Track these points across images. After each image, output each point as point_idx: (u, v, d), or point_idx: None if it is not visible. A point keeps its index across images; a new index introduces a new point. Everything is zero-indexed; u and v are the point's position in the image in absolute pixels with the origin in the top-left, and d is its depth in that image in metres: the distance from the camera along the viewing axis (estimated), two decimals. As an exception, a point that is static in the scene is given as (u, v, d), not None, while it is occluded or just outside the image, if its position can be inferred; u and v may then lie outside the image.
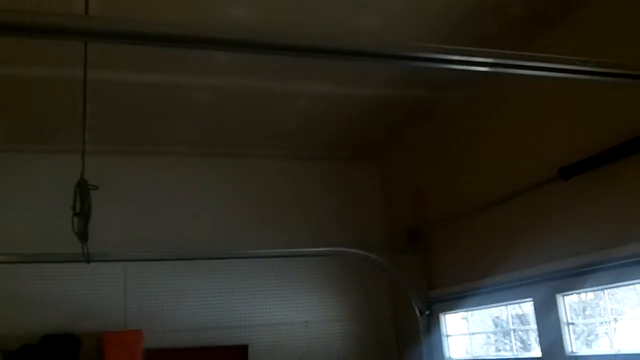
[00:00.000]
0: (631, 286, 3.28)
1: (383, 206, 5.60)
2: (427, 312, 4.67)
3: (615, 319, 3.42)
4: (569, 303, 3.52)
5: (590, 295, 3.70)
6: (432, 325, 4.69)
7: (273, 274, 5.08)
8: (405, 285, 4.71)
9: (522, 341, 4.50)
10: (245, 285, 5.00)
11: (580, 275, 3.31)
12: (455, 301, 4.40)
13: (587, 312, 4.06)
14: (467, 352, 4.52)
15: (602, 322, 3.67)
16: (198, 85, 4.02)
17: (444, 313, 4.65)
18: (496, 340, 4.79)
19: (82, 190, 2.91)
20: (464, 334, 4.59)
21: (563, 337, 3.46)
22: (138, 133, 4.66)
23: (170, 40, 2.00)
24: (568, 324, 3.48)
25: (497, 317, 4.75)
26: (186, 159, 5.09)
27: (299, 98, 4.33)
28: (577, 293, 3.53)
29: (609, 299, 3.40)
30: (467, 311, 4.50)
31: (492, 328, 4.87)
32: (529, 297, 3.74)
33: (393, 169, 5.52)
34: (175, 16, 3.12)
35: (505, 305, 4.12)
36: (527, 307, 4.00)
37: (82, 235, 2.97)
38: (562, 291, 3.49)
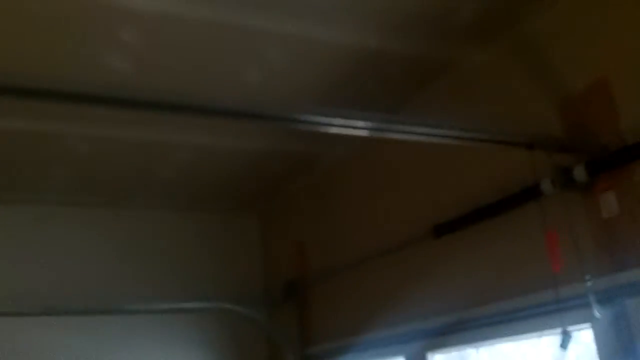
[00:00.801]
0: (499, 344, 3.39)
1: (262, 259, 5.53)
2: (305, 369, 4.61)
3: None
4: (440, 361, 3.57)
5: (460, 353, 3.79)
6: (309, 383, 4.62)
7: (150, 330, 4.84)
8: (281, 341, 4.64)
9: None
10: (119, 342, 4.70)
11: (450, 333, 3.37)
12: (333, 358, 4.36)
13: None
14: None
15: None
16: (74, 133, 3.83)
17: (321, 370, 4.60)
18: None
19: None
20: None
21: (434, 394, 3.51)
22: (14, 181, 4.36)
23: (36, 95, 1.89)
24: (439, 381, 3.53)
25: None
26: (60, 209, 4.82)
27: (178, 149, 4.22)
28: (446, 351, 3.59)
29: (477, 357, 3.49)
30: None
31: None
32: (401, 354, 3.76)
33: (274, 221, 5.49)
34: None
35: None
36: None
37: None
38: (432, 349, 3.54)
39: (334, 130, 2.31)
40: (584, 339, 2.79)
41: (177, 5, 2.76)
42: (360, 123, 2.35)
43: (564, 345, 2.43)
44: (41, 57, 2.99)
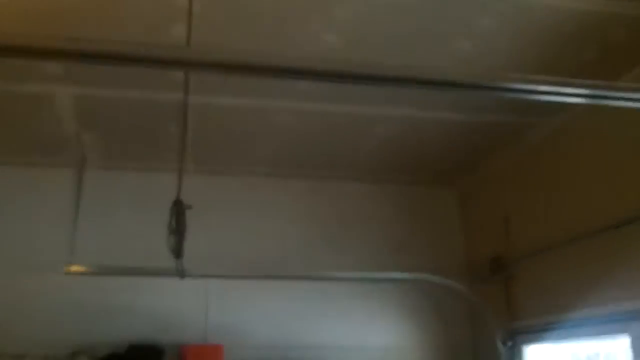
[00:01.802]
0: None
1: (462, 233, 5.50)
2: (510, 344, 4.53)
3: None
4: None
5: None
6: (514, 357, 4.55)
7: (351, 297, 5.07)
8: (488, 316, 4.60)
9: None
10: (323, 307, 5.02)
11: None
12: (540, 333, 4.24)
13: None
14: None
15: None
16: (281, 108, 4.10)
17: (527, 345, 4.50)
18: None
19: (178, 210, 3.05)
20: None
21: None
22: (224, 155, 4.80)
23: (264, 71, 2.07)
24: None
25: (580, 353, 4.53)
26: (268, 180, 5.19)
27: (379, 122, 4.33)
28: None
29: None
30: (552, 344, 4.32)
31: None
32: (625, 332, 3.55)
33: (475, 195, 5.41)
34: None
35: (596, 339, 3.93)
36: (616, 345, 3.79)
37: (177, 252, 3.10)
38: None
39: (548, 98, 2.21)
40: None
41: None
42: (577, 90, 2.23)
43: None
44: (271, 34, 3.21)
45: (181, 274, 3.53)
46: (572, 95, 2.25)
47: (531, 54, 3.42)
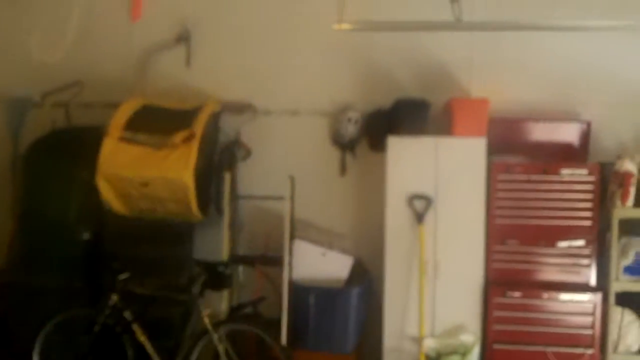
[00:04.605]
0: None
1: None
2: None
3: None
4: None
5: None
6: None
7: (612, 49, 4.65)
8: None
9: None
10: (583, 60, 4.68)
11: None
12: None
13: None
14: None
15: None
16: None
17: None
18: None
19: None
20: None
21: None
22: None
23: None
24: None
25: None
26: None
27: None
28: None
29: None
30: None
31: None
32: None
33: None
34: None
35: None
36: None
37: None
38: None
39: None
40: None
41: None
42: None
43: None
44: None
45: (458, 19, 3.42)
46: None
47: None
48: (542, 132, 4.56)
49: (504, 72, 4.72)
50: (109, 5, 5.09)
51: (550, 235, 4.29)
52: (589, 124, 4.53)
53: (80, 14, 3.80)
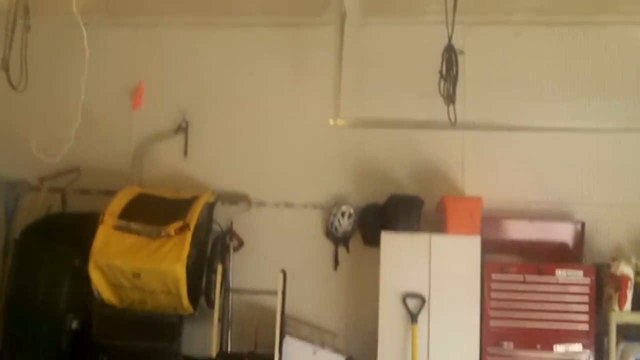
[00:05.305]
0: None
1: None
2: None
3: None
4: None
5: None
6: None
7: (607, 150, 4.72)
8: None
9: None
10: (578, 161, 4.73)
11: None
12: None
13: None
14: None
15: None
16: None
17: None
18: None
19: (450, 54, 3.00)
20: None
21: None
22: (487, 2, 4.49)
23: None
24: None
25: None
26: (531, 28, 4.80)
27: None
28: None
29: None
30: None
31: None
32: None
33: None
34: None
35: None
36: None
37: (450, 97, 3.08)
38: None
39: None
40: None
41: None
42: None
43: None
44: None
45: (453, 121, 3.50)
46: None
47: None
48: (536, 232, 4.56)
49: (497, 170, 4.77)
50: (111, 94, 5.19)
51: (546, 339, 4.18)
52: (583, 225, 4.53)
53: (83, 109, 3.90)
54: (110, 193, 4.73)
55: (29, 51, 3.66)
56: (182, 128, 5.05)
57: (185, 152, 5.06)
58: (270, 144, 5.01)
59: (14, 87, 3.64)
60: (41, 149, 4.20)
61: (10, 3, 3.55)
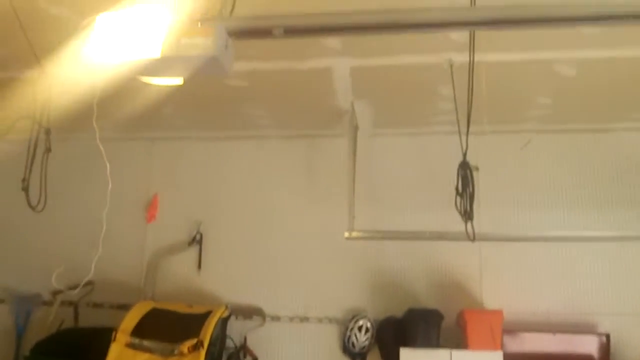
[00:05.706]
0: None
1: None
2: None
3: None
4: None
5: None
6: None
7: (630, 258, 4.63)
8: None
9: None
10: (598, 270, 4.65)
11: None
12: None
13: None
14: None
15: None
16: (560, 59, 3.79)
17: None
18: None
19: (465, 171, 3.02)
20: None
21: None
22: (498, 112, 4.58)
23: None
24: None
25: None
26: (542, 136, 4.87)
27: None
28: None
29: None
30: None
31: None
32: None
33: None
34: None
35: None
36: None
37: (467, 214, 3.07)
38: None
39: None
40: None
41: None
42: None
43: None
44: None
45: (472, 237, 3.47)
46: None
47: None
48: (560, 345, 4.40)
49: (515, 280, 4.68)
50: (126, 207, 5.22)
51: None
52: (608, 336, 4.39)
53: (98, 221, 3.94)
54: (123, 307, 4.68)
55: (48, 170, 3.73)
56: (196, 240, 5.06)
57: (199, 265, 5.04)
58: (285, 256, 4.98)
59: (32, 208, 3.68)
60: (61, 278, 4.19)
61: (33, 128, 3.65)
